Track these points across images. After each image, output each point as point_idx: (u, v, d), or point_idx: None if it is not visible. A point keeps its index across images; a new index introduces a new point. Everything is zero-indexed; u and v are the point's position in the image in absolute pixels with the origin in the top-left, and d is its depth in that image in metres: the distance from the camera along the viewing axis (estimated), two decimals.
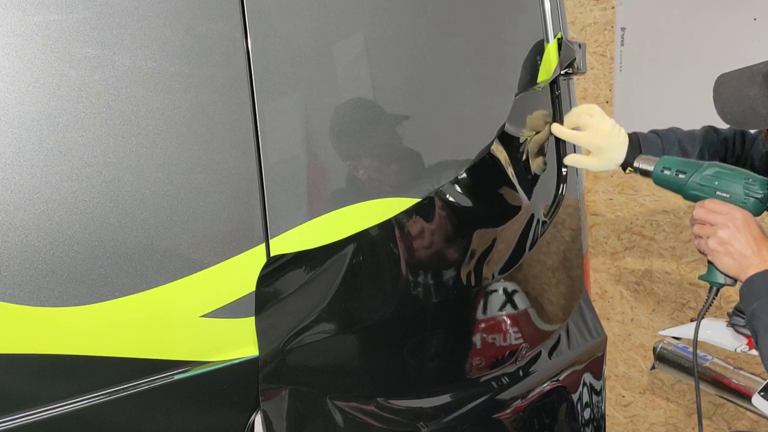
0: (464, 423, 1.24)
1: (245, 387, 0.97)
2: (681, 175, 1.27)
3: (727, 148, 1.48)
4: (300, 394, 1.02)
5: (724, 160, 1.47)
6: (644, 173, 1.33)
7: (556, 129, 1.40)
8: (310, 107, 1.05)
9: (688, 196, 1.27)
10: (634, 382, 2.67)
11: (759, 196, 1.19)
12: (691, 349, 1.95)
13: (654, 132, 1.51)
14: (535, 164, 1.40)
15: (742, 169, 1.23)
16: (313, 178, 1.06)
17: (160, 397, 0.91)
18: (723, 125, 1.28)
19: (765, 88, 1.12)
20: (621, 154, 1.39)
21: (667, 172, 1.28)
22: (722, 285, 1.23)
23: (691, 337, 1.79)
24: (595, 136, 1.37)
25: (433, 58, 1.22)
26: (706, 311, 1.26)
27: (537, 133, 1.40)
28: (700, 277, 1.24)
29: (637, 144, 1.44)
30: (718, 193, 1.21)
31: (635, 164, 1.34)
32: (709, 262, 1.23)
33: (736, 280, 1.19)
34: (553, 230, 1.45)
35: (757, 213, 1.20)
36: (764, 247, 1.14)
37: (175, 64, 0.90)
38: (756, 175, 1.20)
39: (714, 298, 1.25)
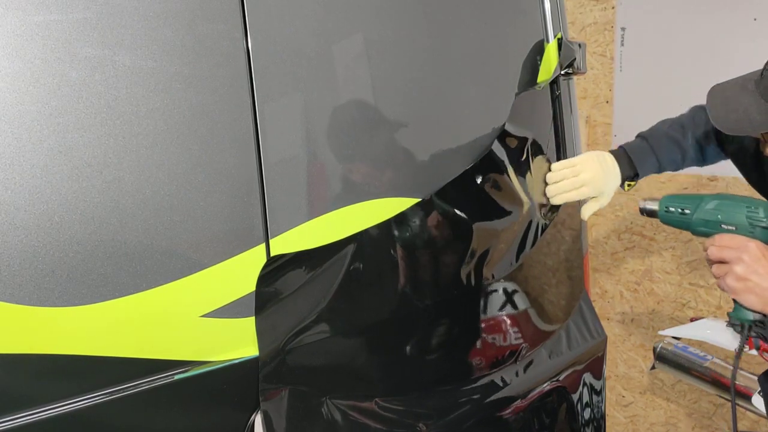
0: (464, 423, 1.24)
1: (245, 387, 0.97)
2: (686, 212, 1.23)
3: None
4: (300, 394, 1.02)
5: (717, 140, 1.44)
6: (651, 214, 1.31)
7: (557, 199, 1.40)
8: (310, 107, 1.05)
9: (696, 233, 1.23)
10: (634, 382, 2.67)
11: (764, 224, 1.14)
12: (691, 349, 1.95)
13: (639, 136, 1.49)
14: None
15: (743, 197, 1.18)
16: (313, 178, 1.06)
17: (160, 397, 0.91)
18: None
19: (757, 95, 1.11)
20: (616, 175, 1.40)
21: (672, 210, 1.26)
22: (753, 321, 1.17)
23: (691, 337, 1.80)
24: (593, 185, 1.37)
25: (433, 58, 1.22)
26: (740, 353, 1.20)
27: (540, 127, 1.41)
28: (729, 315, 1.18)
29: (626, 158, 1.43)
30: (723, 226, 1.17)
31: (641, 206, 1.34)
32: (734, 300, 1.17)
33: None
34: (553, 230, 1.45)
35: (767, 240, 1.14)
36: None
37: (175, 64, 0.90)
38: (757, 200, 1.16)
39: (747, 335, 1.18)
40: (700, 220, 1.21)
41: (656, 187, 2.47)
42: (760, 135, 1.19)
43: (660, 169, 1.47)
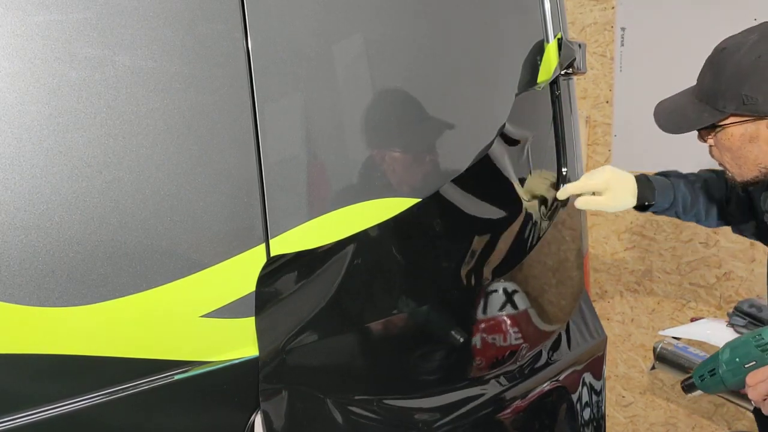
0: (464, 423, 1.24)
1: (245, 387, 0.97)
2: (714, 375, 1.25)
3: (726, 183, 1.48)
4: (300, 394, 1.02)
5: (724, 195, 1.49)
6: (691, 388, 1.31)
7: (562, 193, 1.41)
8: (310, 107, 1.05)
9: (734, 386, 1.24)
10: (634, 382, 2.67)
11: None
12: (691, 349, 1.95)
13: (662, 174, 1.53)
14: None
15: (747, 333, 1.22)
16: (313, 178, 1.06)
17: (160, 397, 0.91)
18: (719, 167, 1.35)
19: (693, 97, 1.28)
20: (631, 187, 1.41)
21: (704, 377, 1.27)
22: None
23: (691, 337, 1.80)
24: (598, 173, 1.39)
25: (433, 58, 1.22)
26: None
27: (540, 127, 1.41)
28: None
29: (646, 180, 1.45)
30: (746, 367, 1.19)
31: (682, 385, 1.33)
32: None
33: None
34: (553, 230, 1.45)
35: None
36: None
37: (175, 64, 0.90)
38: (759, 329, 1.20)
39: None
40: (727, 373, 1.22)
41: None
42: (697, 132, 1.30)
43: (673, 204, 1.48)
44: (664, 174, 1.52)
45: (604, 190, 1.39)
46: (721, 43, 1.29)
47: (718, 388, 1.26)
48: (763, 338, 1.18)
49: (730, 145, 1.25)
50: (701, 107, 1.25)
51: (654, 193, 1.44)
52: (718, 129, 1.24)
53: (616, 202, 1.41)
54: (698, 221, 1.53)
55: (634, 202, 1.43)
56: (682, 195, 1.48)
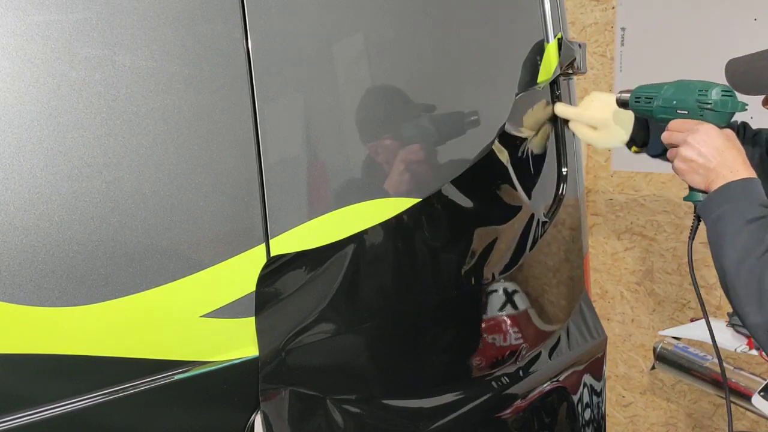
0: (464, 423, 1.24)
1: (245, 387, 0.97)
2: (648, 102, 1.24)
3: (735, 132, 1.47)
4: (300, 394, 1.02)
5: None
6: (624, 104, 1.31)
7: (560, 108, 1.41)
8: (310, 107, 1.05)
9: (658, 121, 1.24)
10: (635, 382, 2.67)
11: (710, 106, 1.15)
12: (691, 349, 1.95)
13: None
14: (537, 144, 1.40)
15: (699, 81, 1.19)
16: (313, 178, 1.06)
17: (160, 397, 0.91)
18: None
19: None
20: (627, 128, 1.39)
21: (639, 99, 1.26)
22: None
23: (691, 336, 1.79)
24: (601, 108, 1.38)
25: (433, 58, 1.22)
26: (694, 235, 1.22)
27: (540, 127, 1.41)
28: (684, 199, 1.21)
29: (644, 122, 1.42)
30: (678, 111, 1.19)
31: (616, 97, 1.32)
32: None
33: None
34: (553, 230, 1.45)
35: (720, 123, 1.16)
36: (730, 156, 1.11)
37: (175, 64, 0.90)
38: (711, 82, 1.18)
39: (699, 222, 1.20)
40: (660, 107, 1.22)
41: (656, 186, 2.47)
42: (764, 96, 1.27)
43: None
44: None
45: (600, 126, 1.39)
46: None
47: (645, 114, 1.27)
48: (706, 95, 1.16)
49: None
50: None
51: (649, 134, 1.41)
52: None
53: (609, 138, 1.41)
54: None
55: (626, 138, 1.40)
56: None
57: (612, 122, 1.39)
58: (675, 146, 1.19)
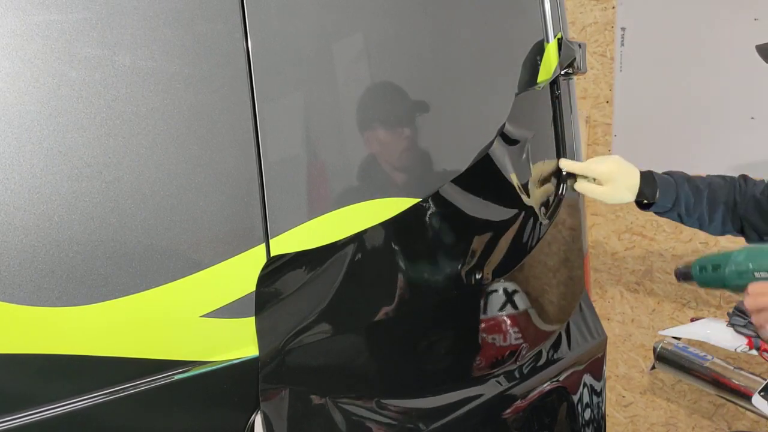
0: (464, 423, 1.24)
1: (245, 387, 0.97)
2: (717, 270, 1.22)
3: (734, 187, 1.45)
4: (300, 394, 1.02)
5: (730, 199, 1.44)
6: (686, 277, 1.30)
7: (564, 163, 1.41)
8: (310, 107, 1.05)
9: (733, 288, 1.22)
10: (635, 382, 2.67)
11: None
12: (691, 349, 1.95)
13: (666, 173, 1.49)
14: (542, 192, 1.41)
15: None
16: (313, 178, 1.06)
17: (160, 397, 0.91)
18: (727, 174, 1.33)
19: None
20: (634, 180, 1.39)
21: (705, 269, 1.25)
22: None
23: (691, 337, 1.79)
24: (604, 161, 1.38)
25: (433, 58, 1.22)
26: None
27: (544, 179, 1.41)
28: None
29: (650, 177, 1.42)
30: (756, 275, 1.17)
31: (675, 272, 1.31)
32: None
33: None
34: (553, 230, 1.45)
35: None
36: None
37: (175, 64, 0.90)
38: None
39: None
40: (733, 273, 1.20)
41: None
42: None
43: (675, 204, 1.44)
44: (669, 174, 1.49)
45: (606, 180, 1.39)
46: None
47: (715, 284, 1.24)
48: None
49: None
50: None
51: (656, 192, 1.41)
52: None
53: (614, 194, 1.40)
54: (701, 226, 1.48)
55: (632, 198, 1.41)
56: (684, 195, 1.44)
57: (617, 176, 1.38)
58: (762, 310, 1.13)
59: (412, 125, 1.19)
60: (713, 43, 2.21)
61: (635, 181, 1.40)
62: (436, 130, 1.23)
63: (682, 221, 1.48)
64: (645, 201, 1.43)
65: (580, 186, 1.42)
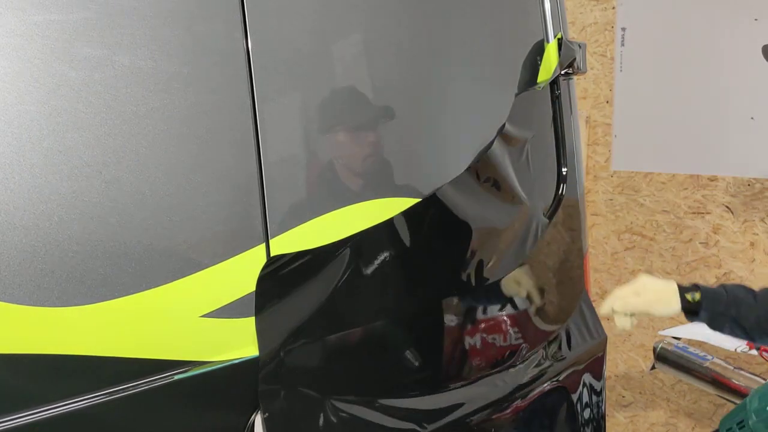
0: (464, 423, 1.24)
1: (245, 387, 0.97)
2: (742, 426, 1.21)
3: None
4: (300, 394, 1.02)
5: None
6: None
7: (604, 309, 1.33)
8: (310, 107, 1.05)
9: None
10: (634, 382, 2.67)
11: None
12: (691, 349, 1.95)
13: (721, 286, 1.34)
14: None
15: None
16: (313, 178, 1.06)
17: (160, 397, 0.91)
18: None
19: None
20: (670, 287, 1.27)
21: (730, 429, 1.23)
22: None
23: (691, 337, 1.79)
24: (632, 284, 1.30)
25: (432, 58, 1.22)
26: None
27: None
28: None
29: (689, 286, 1.30)
30: None
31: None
32: None
33: None
34: (553, 230, 1.45)
35: None
36: None
37: (175, 64, 0.90)
38: None
39: None
40: (760, 423, 1.20)
41: (656, 186, 2.47)
42: None
43: (727, 306, 1.27)
44: (723, 285, 1.33)
45: (643, 312, 1.29)
46: None
47: None
48: None
49: None
50: None
51: (699, 294, 1.26)
52: None
53: (658, 305, 1.29)
54: (747, 336, 1.29)
55: (677, 306, 1.27)
56: (733, 293, 1.27)
57: (654, 305, 1.28)
58: None
59: (412, 125, 1.19)
60: (713, 43, 2.21)
61: (671, 293, 1.28)
62: (437, 130, 1.23)
63: (746, 332, 1.27)
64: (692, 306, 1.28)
65: (618, 320, 1.32)
